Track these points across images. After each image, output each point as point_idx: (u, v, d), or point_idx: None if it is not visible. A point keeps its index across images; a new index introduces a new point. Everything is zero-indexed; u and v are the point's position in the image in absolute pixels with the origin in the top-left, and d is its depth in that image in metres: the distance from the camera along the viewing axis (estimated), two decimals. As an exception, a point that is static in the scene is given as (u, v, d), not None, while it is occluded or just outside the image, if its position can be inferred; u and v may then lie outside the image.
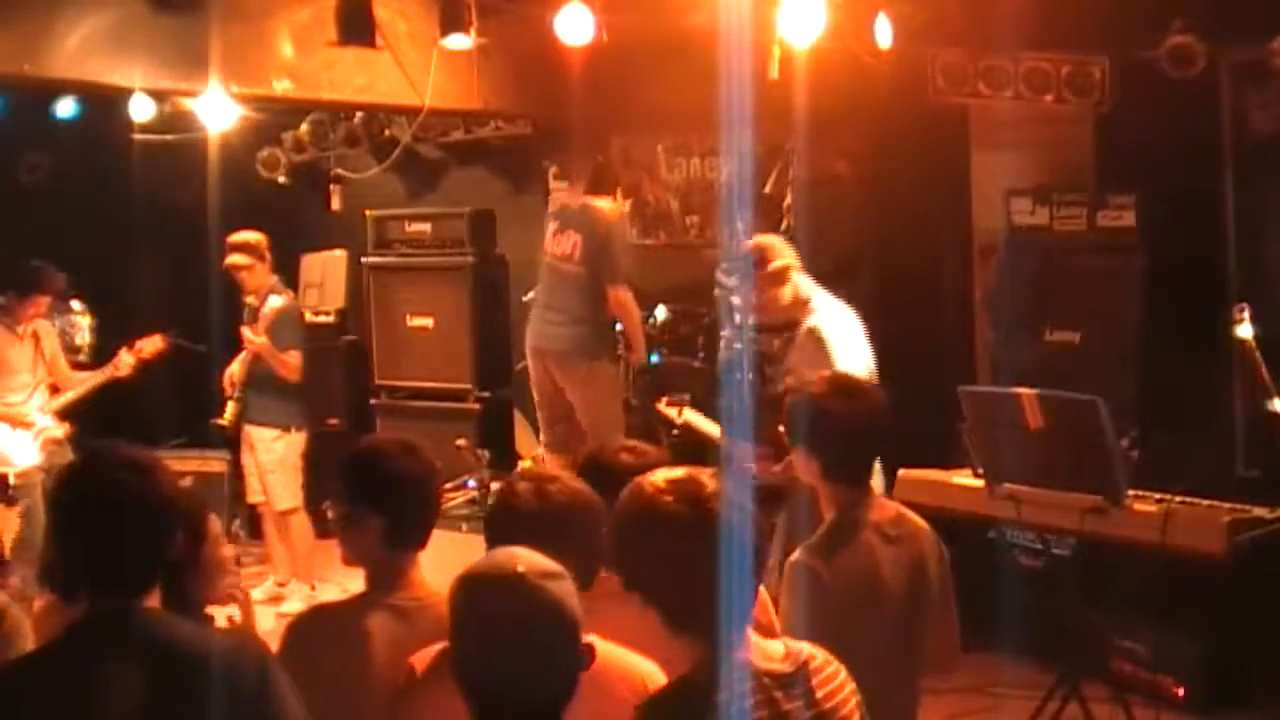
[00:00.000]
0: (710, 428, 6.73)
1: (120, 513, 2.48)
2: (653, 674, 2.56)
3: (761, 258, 5.23)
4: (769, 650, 2.35)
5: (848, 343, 5.03)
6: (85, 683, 2.40)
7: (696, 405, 7.53)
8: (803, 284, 5.21)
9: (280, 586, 7.22)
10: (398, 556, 3.01)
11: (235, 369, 7.19)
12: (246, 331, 7.08)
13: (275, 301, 7.10)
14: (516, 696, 2.08)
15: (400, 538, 3.01)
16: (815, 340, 5.02)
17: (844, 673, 2.43)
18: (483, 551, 2.38)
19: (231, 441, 7.60)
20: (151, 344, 7.19)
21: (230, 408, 7.15)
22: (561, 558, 2.22)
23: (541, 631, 2.08)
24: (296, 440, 7.16)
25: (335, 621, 3.00)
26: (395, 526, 3.00)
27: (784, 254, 5.25)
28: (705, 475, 2.32)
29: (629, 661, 2.57)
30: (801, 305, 5.18)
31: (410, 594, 2.98)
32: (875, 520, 3.38)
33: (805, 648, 2.40)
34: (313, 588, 7.08)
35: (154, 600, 2.53)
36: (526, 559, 2.13)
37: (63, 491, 2.58)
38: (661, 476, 2.32)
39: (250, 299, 7.18)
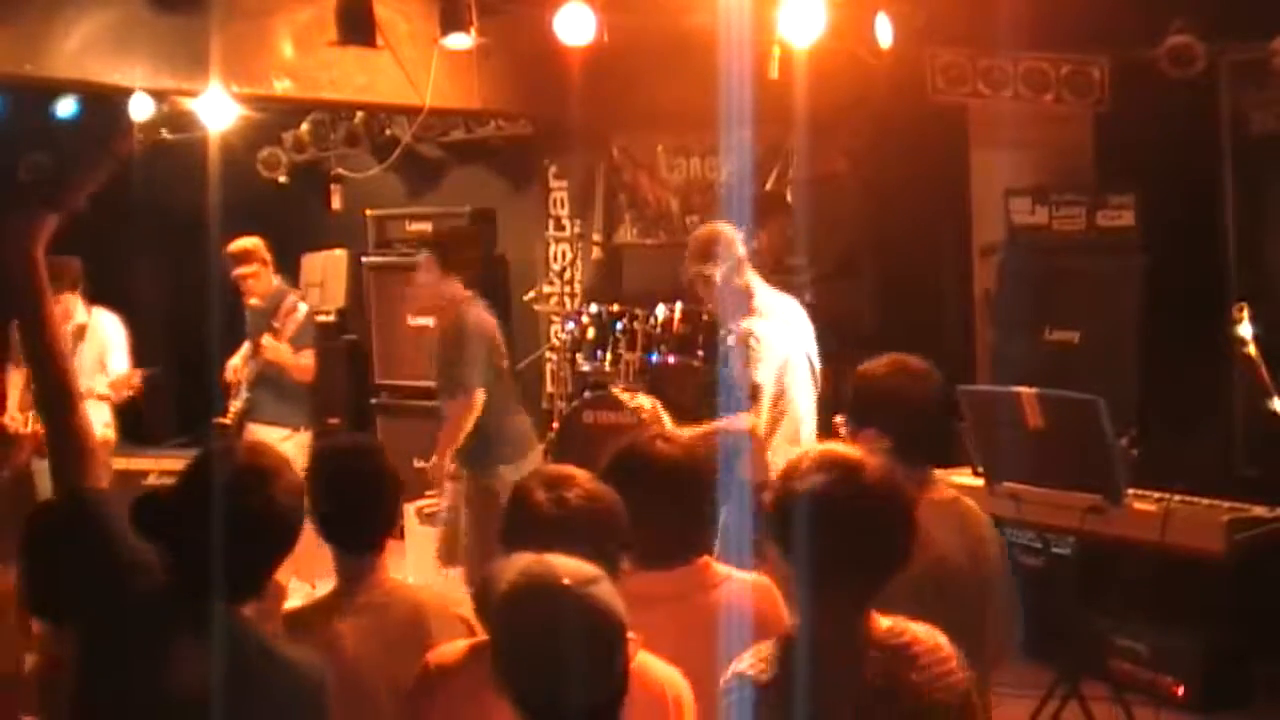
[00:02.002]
0: None
1: (244, 520, 2.45)
2: (671, 678, 2.56)
3: (704, 249, 5.32)
4: (881, 626, 2.46)
5: (769, 356, 5.17)
6: (164, 658, 2.40)
7: (695, 405, 7.53)
8: (740, 281, 5.30)
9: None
10: (355, 561, 3.04)
11: (238, 364, 7.17)
12: (269, 340, 7.00)
13: (301, 306, 7.10)
14: (574, 702, 2.08)
15: (348, 543, 3.05)
16: (742, 347, 5.18)
17: (955, 660, 2.50)
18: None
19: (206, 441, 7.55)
20: (127, 382, 7.09)
21: (235, 406, 7.14)
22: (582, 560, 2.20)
23: (596, 641, 2.08)
24: (304, 440, 7.14)
25: (306, 624, 3.01)
26: (339, 537, 3.05)
27: (728, 247, 5.31)
28: (863, 458, 2.48)
29: (650, 665, 2.56)
30: (744, 298, 5.29)
31: (378, 591, 3.02)
32: (937, 500, 3.30)
33: (916, 629, 2.49)
34: (313, 586, 7.08)
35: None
36: (566, 568, 2.12)
37: (186, 489, 2.54)
38: (819, 452, 2.49)
39: (254, 301, 7.16)
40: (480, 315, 6.22)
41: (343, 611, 2.99)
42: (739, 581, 2.95)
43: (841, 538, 2.41)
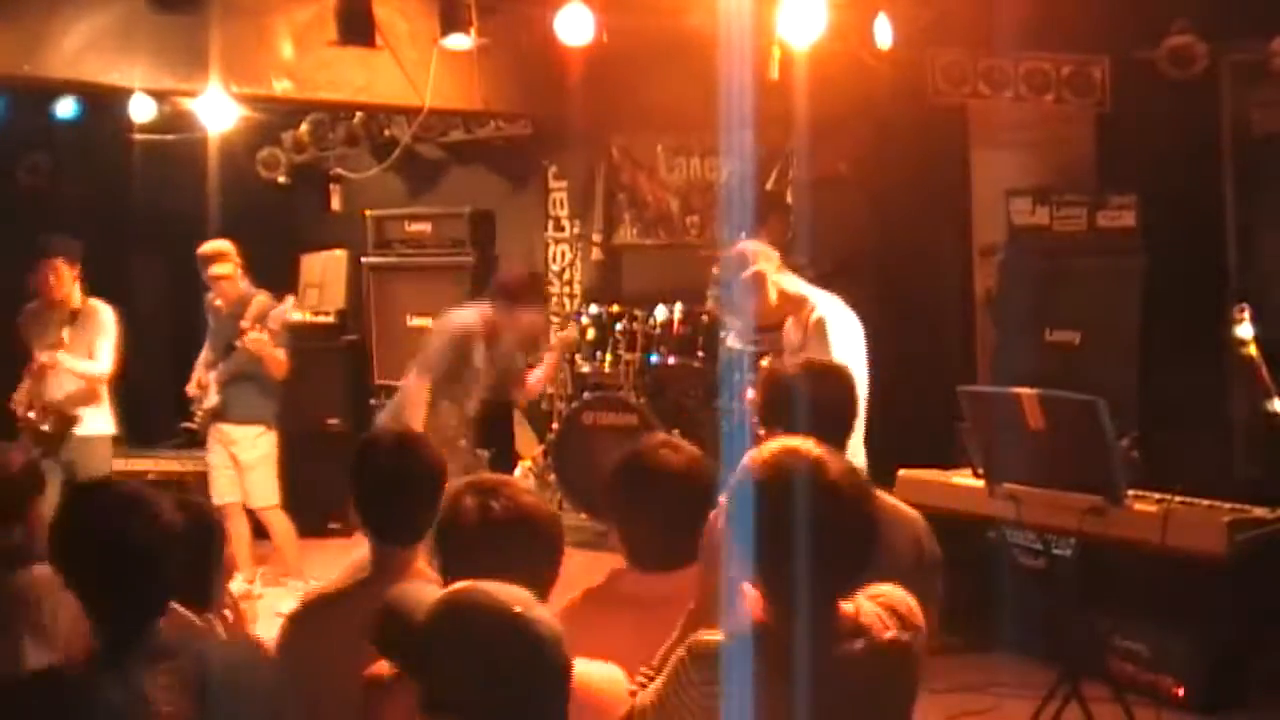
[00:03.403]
0: None
1: (119, 555, 2.48)
2: (616, 677, 2.54)
3: (742, 265, 5.18)
4: (846, 612, 2.40)
5: (847, 339, 5.00)
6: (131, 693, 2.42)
7: (695, 406, 7.54)
8: (788, 283, 5.15)
9: (249, 584, 7.16)
10: (390, 551, 3.03)
11: (200, 374, 7.10)
12: (255, 334, 6.92)
13: (289, 301, 7.06)
14: None
15: (385, 535, 3.04)
16: (820, 331, 5.00)
17: (905, 607, 2.46)
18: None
19: (200, 442, 7.47)
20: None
21: (202, 410, 7.05)
22: (510, 574, 2.14)
23: (544, 666, 2.03)
24: (274, 437, 7.13)
25: (334, 608, 3.02)
26: (376, 525, 3.04)
27: (762, 259, 5.16)
28: (812, 451, 2.36)
29: (592, 669, 2.52)
30: (795, 303, 5.12)
31: (407, 581, 3.00)
32: None
33: (865, 604, 2.42)
34: (306, 584, 7.06)
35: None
36: (512, 594, 2.05)
37: (63, 535, 2.55)
38: (766, 450, 2.38)
39: (220, 303, 7.07)
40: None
41: (368, 599, 2.99)
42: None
43: (815, 537, 2.28)
